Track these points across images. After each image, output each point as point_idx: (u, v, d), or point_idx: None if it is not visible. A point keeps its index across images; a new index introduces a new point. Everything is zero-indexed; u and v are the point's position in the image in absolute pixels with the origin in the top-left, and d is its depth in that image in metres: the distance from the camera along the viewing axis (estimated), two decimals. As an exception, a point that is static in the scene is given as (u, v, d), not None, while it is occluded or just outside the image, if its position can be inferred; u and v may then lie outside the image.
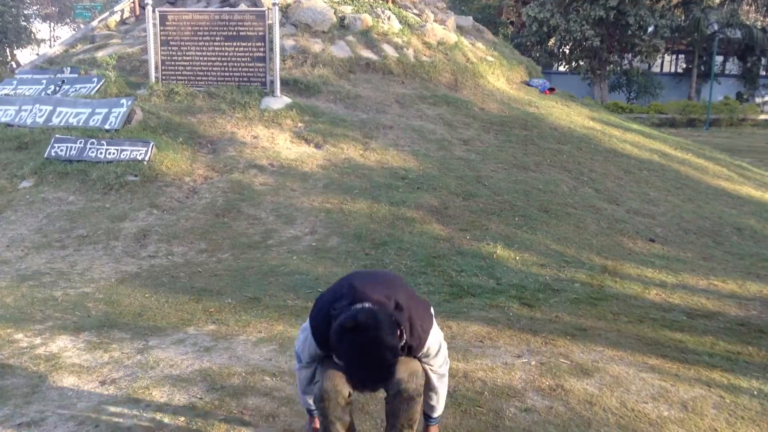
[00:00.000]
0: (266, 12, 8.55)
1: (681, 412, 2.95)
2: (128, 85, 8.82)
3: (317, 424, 2.51)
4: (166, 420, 2.83)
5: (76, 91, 8.68)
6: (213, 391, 3.10)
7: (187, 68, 8.75)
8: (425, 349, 2.26)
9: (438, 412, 2.48)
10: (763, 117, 23.76)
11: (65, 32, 35.61)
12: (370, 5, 11.17)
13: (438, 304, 4.38)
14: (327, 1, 10.60)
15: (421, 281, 4.90)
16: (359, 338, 1.98)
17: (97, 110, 7.96)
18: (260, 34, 8.50)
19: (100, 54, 9.93)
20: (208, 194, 6.55)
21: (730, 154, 12.27)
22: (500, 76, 11.09)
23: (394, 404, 2.24)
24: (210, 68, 8.71)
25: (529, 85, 11.72)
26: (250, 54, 8.60)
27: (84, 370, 3.34)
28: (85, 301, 4.46)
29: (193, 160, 7.23)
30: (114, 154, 7.12)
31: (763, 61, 27.41)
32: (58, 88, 8.92)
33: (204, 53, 8.69)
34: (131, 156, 7.04)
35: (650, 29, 23.07)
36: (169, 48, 8.72)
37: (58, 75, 9.32)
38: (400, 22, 10.87)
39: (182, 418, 2.84)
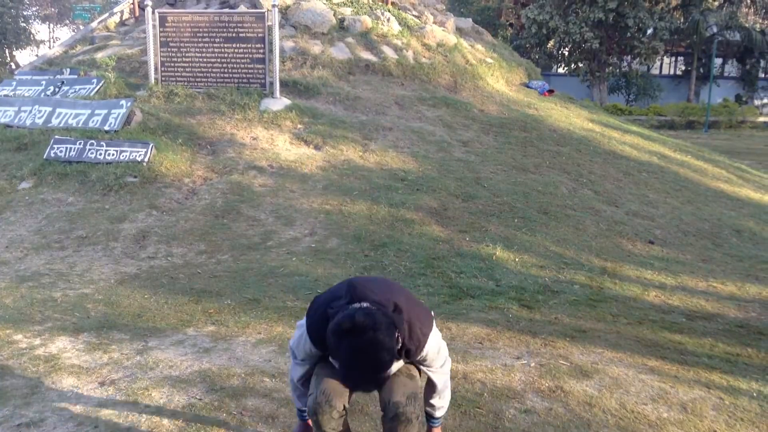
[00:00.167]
0: (266, 13, 8.55)
1: (680, 414, 2.95)
2: (128, 87, 8.82)
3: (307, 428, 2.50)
4: (165, 421, 2.82)
5: (75, 92, 8.69)
6: (212, 392, 3.09)
7: (187, 70, 8.75)
8: (424, 353, 2.21)
9: (441, 412, 2.45)
10: (762, 119, 23.80)
11: (64, 33, 35.61)
12: (370, 7, 11.18)
13: (437, 305, 4.38)
14: (326, 3, 10.61)
15: (421, 283, 4.90)
16: (356, 339, 1.92)
17: (97, 111, 7.96)
18: (260, 35, 8.50)
19: (99, 55, 9.93)
20: (208, 195, 6.55)
21: (729, 156, 12.28)
22: (499, 78, 11.10)
23: (392, 426, 2.17)
24: (209, 70, 8.72)
25: (528, 86, 11.73)
26: (250, 55, 8.61)
27: (83, 371, 3.33)
28: (84, 302, 4.46)
29: (192, 161, 7.23)
30: (113, 155, 7.12)
31: (762, 63, 27.45)
32: (57, 89, 8.92)
33: (203, 55, 8.69)
34: (131, 157, 7.04)
35: (649, 31, 23.12)
36: (169, 49, 8.72)
37: (58, 76, 9.32)
38: (400, 23, 10.88)
39: (181, 419, 2.84)
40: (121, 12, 11.82)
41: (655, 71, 29.67)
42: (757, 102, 27.71)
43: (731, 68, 29.14)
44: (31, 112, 8.33)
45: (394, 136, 8.19)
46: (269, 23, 8.48)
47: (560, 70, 29.16)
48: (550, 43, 25.30)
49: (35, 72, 9.96)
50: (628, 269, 5.43)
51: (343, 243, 5.67)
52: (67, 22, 34.70)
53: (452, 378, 3.13)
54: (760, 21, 29.06)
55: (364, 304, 2.02)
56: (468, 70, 10.52)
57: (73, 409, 2.93)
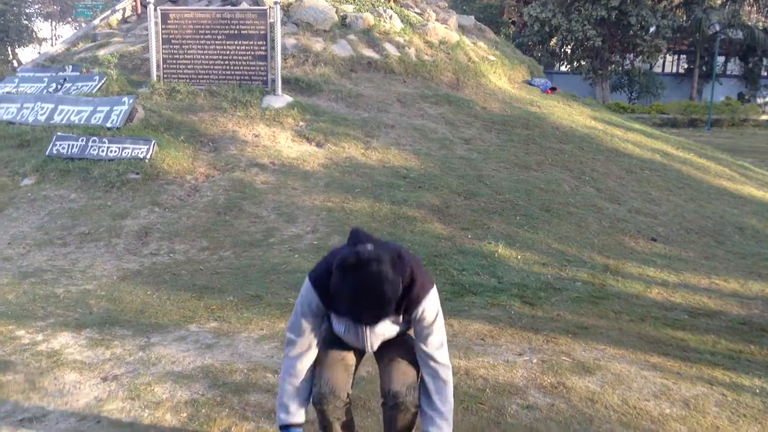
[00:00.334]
0: (268, 11, 8.55)
1: (683, 410, 2.95)
2: (130, 84, 8.83)
3: None
4: (167, 416, 2.83)
5: (77, 89, 8.69)
6: (215, 388, 3.10)
7: (189, 67, 8.75)
8: (421, 311, 2.15)
9: (445, 430, 2.20)
10: (764, 117, 23.73)
11: (67, 31, 35.64)
12: (372, 4, 11.16)
13: (440, 302, 4.38)
14: (329, 0, 10.59)
15: (423, 279, 4.90)
16: (361, 273, 1.91)
17: (99, 108, 7.96)
18: (262, 32, 8.50)
19: (101, 52, 9.93)
20: (210, 192, 6.55)
21: (731, 154, 12.26)
22: (502, 76, 11.09)
23: (392, 414, 2.27)
24: (211, 67, 8.71)
25: (530, 84, 11.71)
26: (252, 52, 8.60)
27: (86, 366, 3.34)
28: (86, 298, 4.47)
29: (194, 158, 7.23)
30: (116, 152, 7.13)
31: (765, 61, 27.36)
32: (59, 87, 8.92)
33: (205, 52, 8.69)
34: (133, 154, 7.05)
35: (652, 29, 23.04)
36: (171, 46, 8.72)
37: (60, 73, 9.32)
38: (402, 21, 10.86)
39: (184, 415, 2.84)
40: (124, 9, 11.82)
41: (657, 69, 29.59)
42: (759, 100, 27.64)
43: (734, 66, 29.04)
44: (33, 109, 8.34)
45: (396, 133, 8.18)
46: (271, 20, 8.47)
47: (563, 68, 29.09)
48: (553, 41, 25.23)
49: (38, 69, 9.96)
50: (631, 266, 5.43)
51: (345, 240, 5.66)
52: (70, 19, 34.70)
53: (454, 374, 3.13)
54: (763, 19, 28.99)
55: (369, 246, 2.01)
56: (470, 68, 10.50)
57: (75, 405, 2.93)
